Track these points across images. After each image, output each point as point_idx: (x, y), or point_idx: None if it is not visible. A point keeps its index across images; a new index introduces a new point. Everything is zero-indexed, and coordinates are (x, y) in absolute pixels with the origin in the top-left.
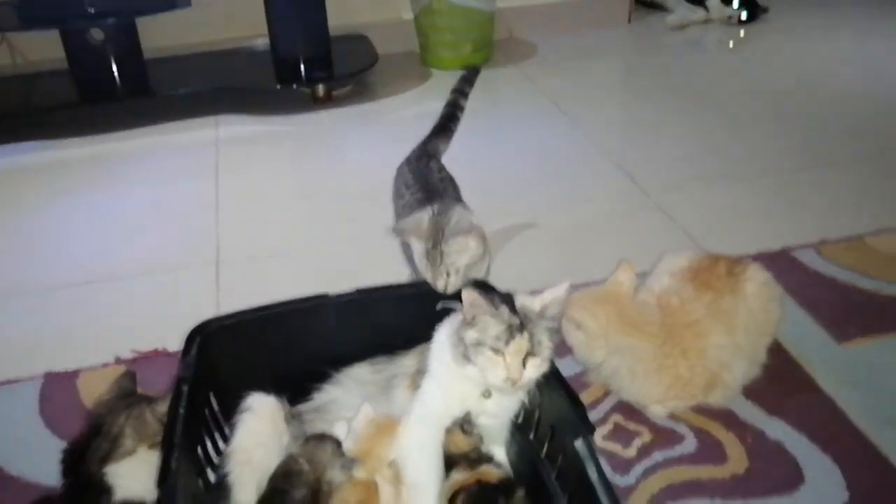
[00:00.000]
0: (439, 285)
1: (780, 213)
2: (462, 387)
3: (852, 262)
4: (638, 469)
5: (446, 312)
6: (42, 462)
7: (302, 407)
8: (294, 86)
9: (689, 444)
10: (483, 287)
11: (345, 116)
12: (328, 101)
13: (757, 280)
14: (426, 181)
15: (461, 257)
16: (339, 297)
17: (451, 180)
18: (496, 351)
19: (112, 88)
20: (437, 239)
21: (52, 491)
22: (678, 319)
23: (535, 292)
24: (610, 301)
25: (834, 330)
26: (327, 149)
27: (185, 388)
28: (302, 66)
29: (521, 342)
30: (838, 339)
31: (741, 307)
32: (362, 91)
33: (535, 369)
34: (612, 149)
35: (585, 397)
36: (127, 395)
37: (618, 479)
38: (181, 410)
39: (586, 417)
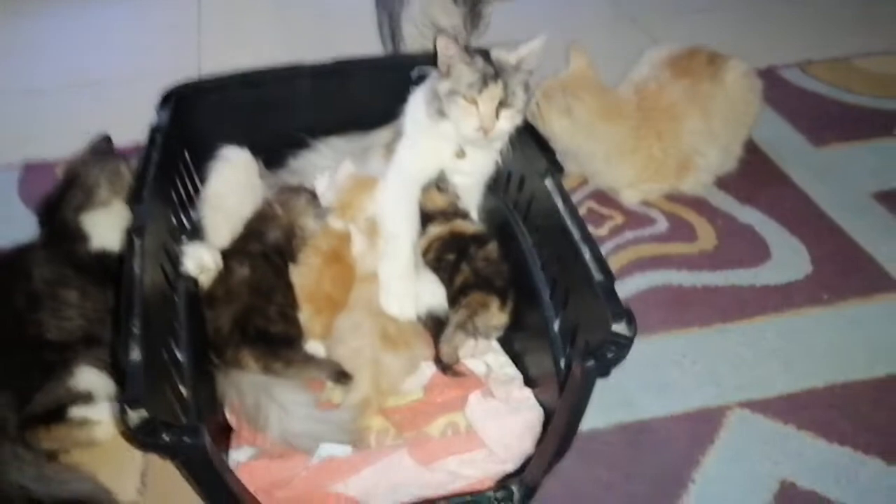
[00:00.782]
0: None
1: (770, 38)
2: (436, 144)
3: (836, 79)
4: (609, 245)
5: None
6: (20, 233)
7: (278, 171)
8: None
9: (661, 226)
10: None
11: None
12: None
13: (737, 69)
14: None
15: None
16: (316, 64)
17: None
18: (470, 100)
19: None
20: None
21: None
22: (654, 102)
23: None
24: (588, 87)
25: (812, 136)
26: None
27: (158, 137)
28: None
29: (494, 90)
30: (815, 143)
31: (719, 94)
32: None
33: (508, 120)
34: None
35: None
36: (103, 153)
37: None
38: (154, 154)
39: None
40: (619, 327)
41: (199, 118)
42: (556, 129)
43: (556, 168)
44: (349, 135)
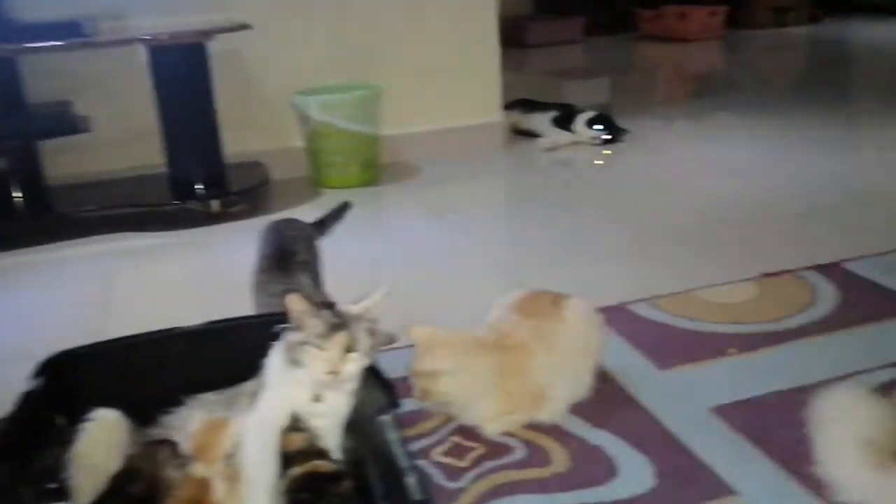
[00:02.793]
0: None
1: (623, 280)
2: (293, 390)
3: (679, 309)
4: (469, 476)
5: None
6: None
7: (152, 427)
8: (189, 203)
9: (519, 454)
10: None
11: (238, 229)
12: (223, 217)
13: (576, 308)
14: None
15: None
16: (188, 328)
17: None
18: (319, 347)
19: (13, 211)
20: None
21: None
22: (506, 343)
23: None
24: (441, 342)
25: (657, 360)
26: (218, 255)
27: (26, 402)
28: (197, 186)
29: (341, 338)
30: (660, 367)
31: (561, 331)
32: (256, 208)
33: (354, 363)
34: (483, 244)
35: (428, 424)
36: None
37: (449, 484)
38: (19, 416)
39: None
40: None
41: (75, 384)
42: (441, 389)
43: (393, 404)
44: (220, 390)
